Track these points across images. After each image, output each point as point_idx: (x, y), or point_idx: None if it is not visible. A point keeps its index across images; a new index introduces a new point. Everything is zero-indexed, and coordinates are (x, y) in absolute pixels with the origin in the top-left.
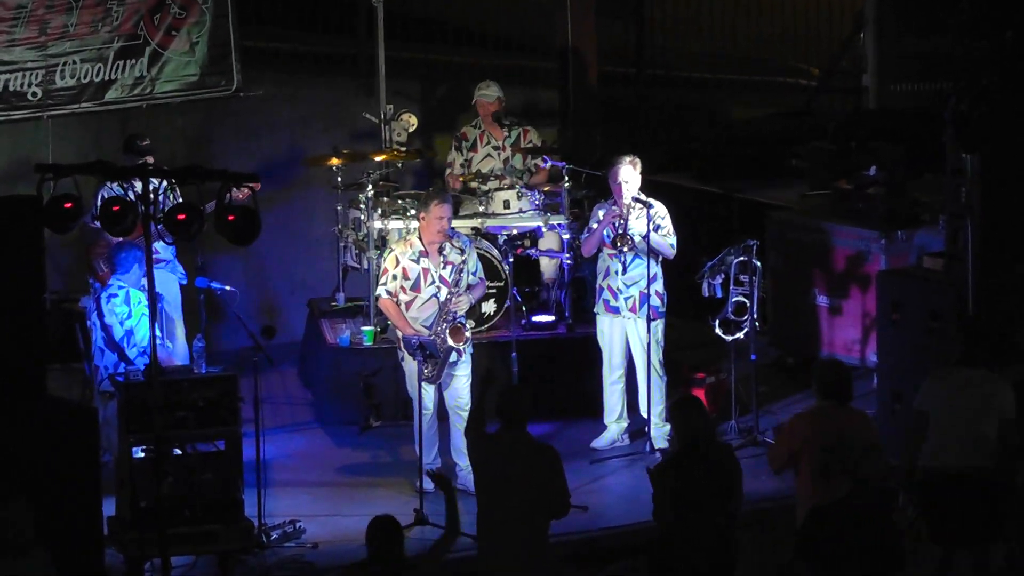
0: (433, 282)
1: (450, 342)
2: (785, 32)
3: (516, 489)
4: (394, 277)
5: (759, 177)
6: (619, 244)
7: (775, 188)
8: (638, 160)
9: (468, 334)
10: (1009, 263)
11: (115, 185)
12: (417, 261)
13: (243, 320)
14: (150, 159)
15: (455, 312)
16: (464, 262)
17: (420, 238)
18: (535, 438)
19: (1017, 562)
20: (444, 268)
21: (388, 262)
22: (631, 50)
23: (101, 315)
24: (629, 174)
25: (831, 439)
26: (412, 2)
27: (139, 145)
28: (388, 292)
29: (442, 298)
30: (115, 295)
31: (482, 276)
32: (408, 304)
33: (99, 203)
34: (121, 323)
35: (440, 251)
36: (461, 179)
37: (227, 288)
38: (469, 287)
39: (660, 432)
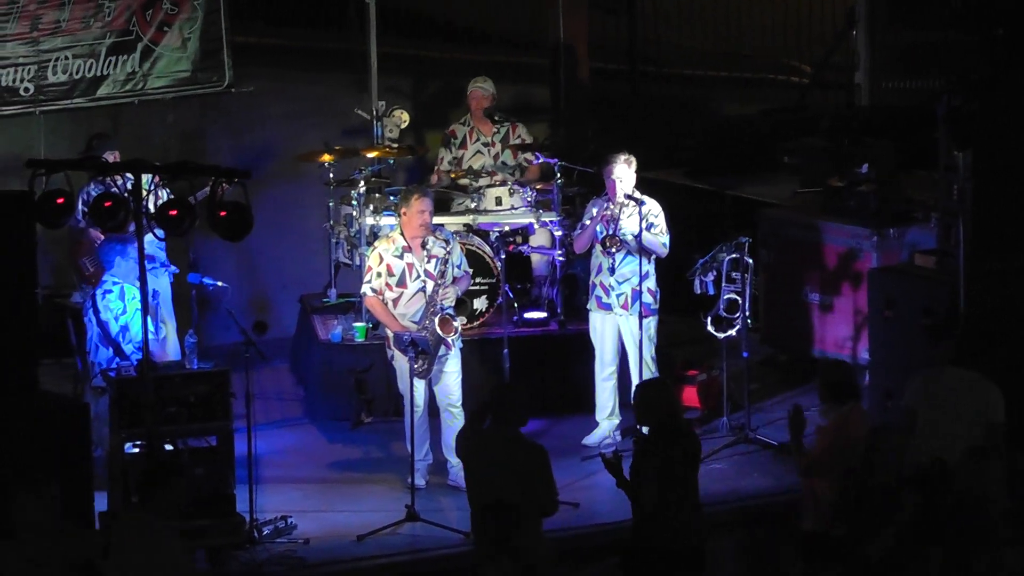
0: (418, 276)
1: (439, 332)
2: (777, 28)
3: (505, 487)
4: (378, 275)
5: (751, 174)
6: (608, 245)
7: (767, 185)
8: (633, 158)
9: (457, 324)
10: (1001, 259)
11: (91, 186)
12: (401, 257)
13: (235, 316)
14: (110, 156)
15: (442, 304)
16: (448, 254)
17: (402, 234)
18: (525, 436)
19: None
20: (428, 262)
21: (372, 259)
22: (623, 46)
23: (97, 311)
24: (623, 171)
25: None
26: None
27: (92, 143)
28: (373, 290)
29: (428, 292)
30: (110, 291)
31: (467, 269)
32: (395, 301)
33: (82, 202)
34: (116, 319)
35: (423, 245)
36: (452, 175)
37: (219, 284)
38: (455, 280)
39: None
